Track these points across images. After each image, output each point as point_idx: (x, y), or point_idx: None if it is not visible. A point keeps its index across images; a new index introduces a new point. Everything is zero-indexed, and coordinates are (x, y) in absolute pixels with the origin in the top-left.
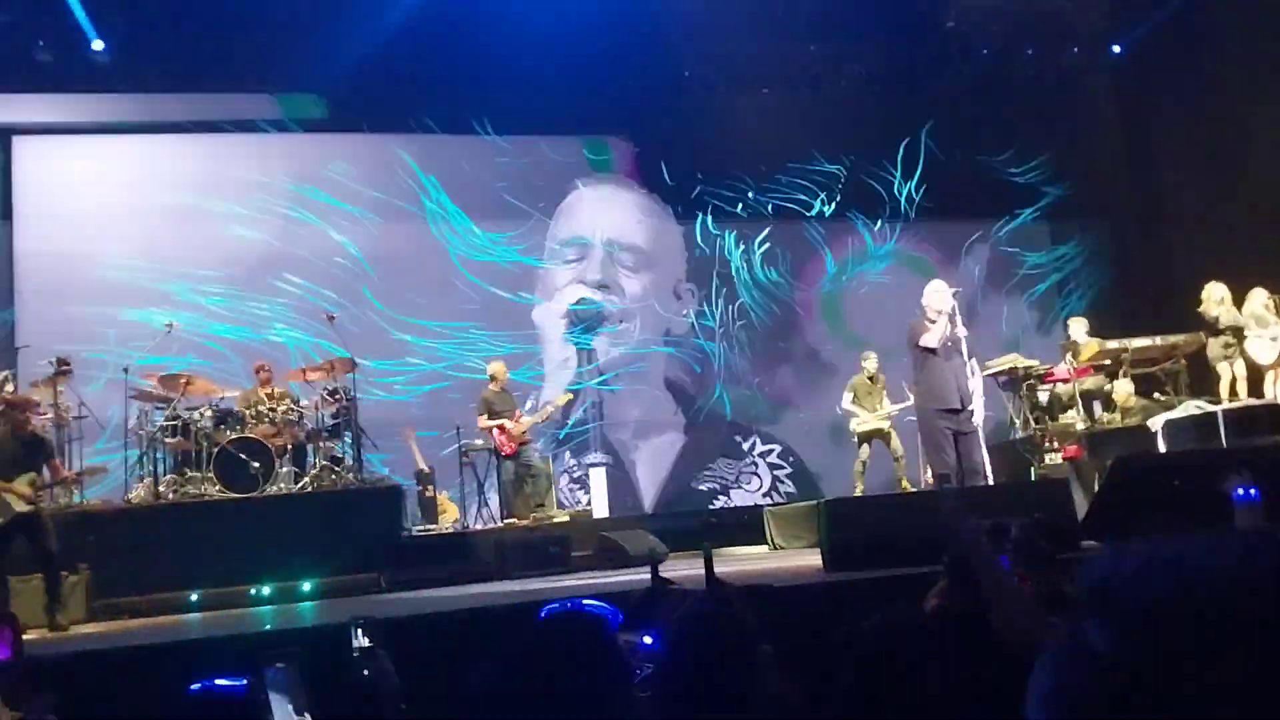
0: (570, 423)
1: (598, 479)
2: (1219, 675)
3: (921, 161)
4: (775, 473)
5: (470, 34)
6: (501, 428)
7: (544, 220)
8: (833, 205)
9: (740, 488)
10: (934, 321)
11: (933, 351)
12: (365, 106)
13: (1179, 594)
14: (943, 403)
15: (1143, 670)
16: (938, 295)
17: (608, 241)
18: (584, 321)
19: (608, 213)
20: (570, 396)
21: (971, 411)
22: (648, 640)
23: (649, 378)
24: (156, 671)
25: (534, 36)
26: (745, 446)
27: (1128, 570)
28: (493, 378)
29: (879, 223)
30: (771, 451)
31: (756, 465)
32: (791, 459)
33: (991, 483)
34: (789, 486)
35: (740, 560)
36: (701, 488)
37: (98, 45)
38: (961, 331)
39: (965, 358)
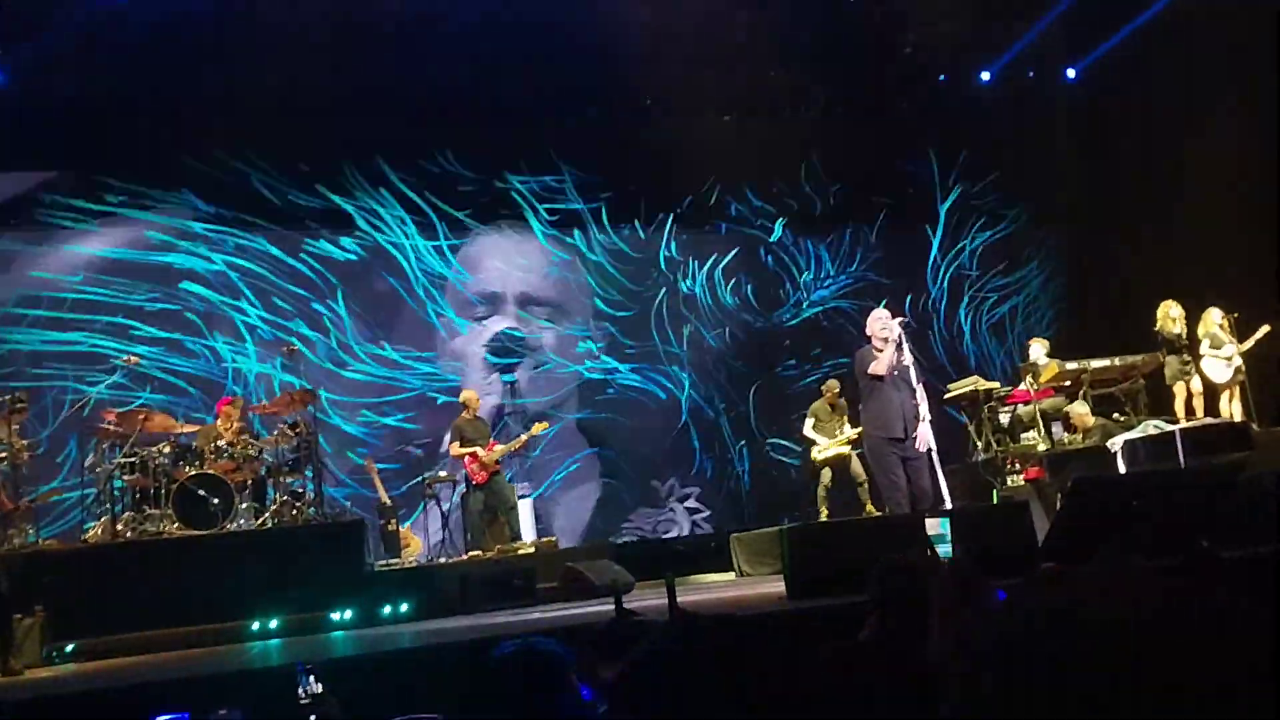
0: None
1: (525, 510)
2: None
3: (882, 186)
4: (694, 517)
5: (427, 59)
6: (474, 455)
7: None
8: (793, 230)
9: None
10: (880, 350)
11: (880, 379)
12: (319, 132)
13: (1063, 631)
14: (888, 431)
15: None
16: (880, 323)
17: (519, 295)
18: (503, 357)
19: (517, 258)
20: (545, 425)
21: (916, 439)
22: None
23: (567, 425)
24: (111, 715)
25: (492, 62)
26: (663, 492)
27: (1016, 624)
28: (465, 405)
29: (840, 247)
30: (689, 495)
31: (674, 511)
32: (711, 502)
33: (949, 505)
34: (705, 530)
35: (706, 589)
36: (619, 542)
37: None
38: (908, 359)
39: (914, 385)
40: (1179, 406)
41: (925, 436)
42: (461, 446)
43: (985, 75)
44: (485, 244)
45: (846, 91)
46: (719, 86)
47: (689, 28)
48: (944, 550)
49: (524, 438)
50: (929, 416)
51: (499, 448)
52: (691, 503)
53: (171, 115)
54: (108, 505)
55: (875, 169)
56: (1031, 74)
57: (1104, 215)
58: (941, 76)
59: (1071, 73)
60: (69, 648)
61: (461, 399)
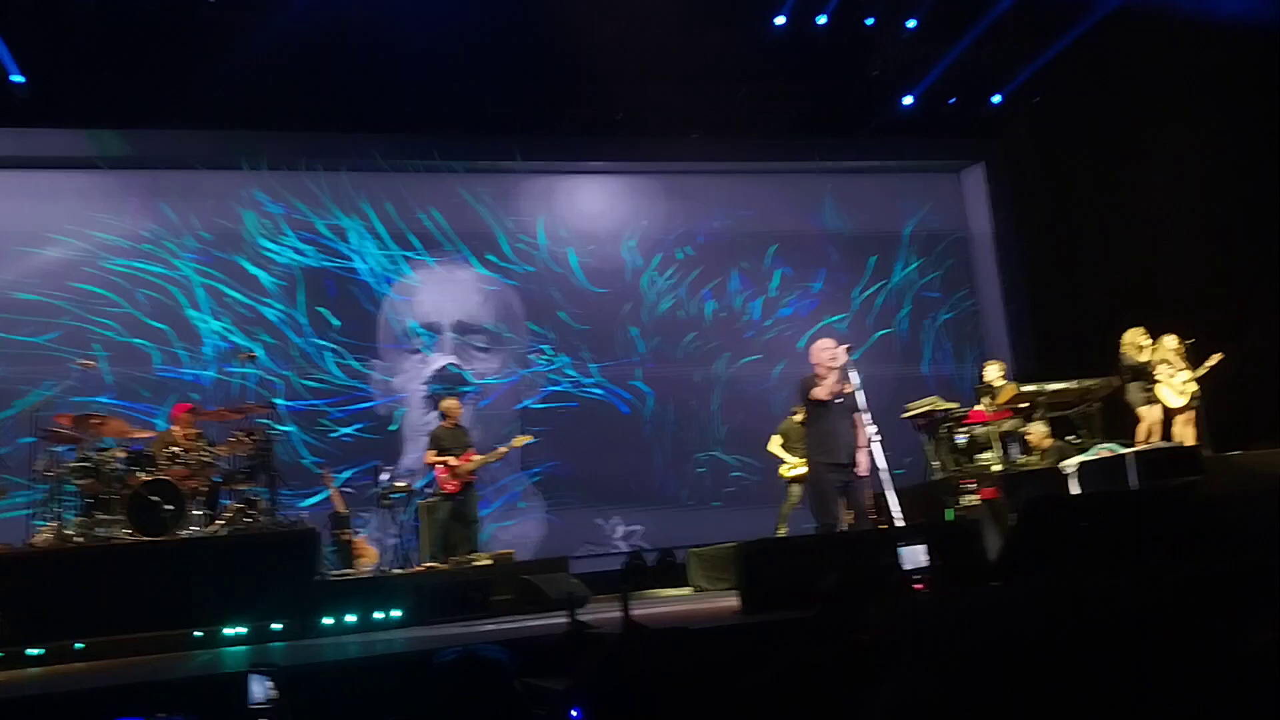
0: None
1: None
2: (1028, 705)
3: (844, 206)
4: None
5: (391, 72)
6: (445, 464)
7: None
8: (756, 250)
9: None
10: (824, 376)
11: (823, 405)
12: (284, 141)
13: (989, 638)
14: (830, 457)
15: (958, 702)
16: (825, 351)
17: (456, 324)
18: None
19: (452, 292)
20: (529, 438)
21: (858, 465)
22: (574, 714)
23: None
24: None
25: (462, 78)
26: (607, 529)
27: (947, 618)
28: (444, 414)
29: (802, 267)
30: (634, 533)
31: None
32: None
33: (901, 523)
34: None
35: (661, 603)
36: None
37: (17, 79)
38: (853, 386)
39: (859, 411)
40: (1140, 431)
41: (865, 463)
42: (437, 455)
43: (951, 100)
44: (432, 268)
45: (813, 111)
46: (685, 104)
47: (654, 47)
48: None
49: (503, 450)
50: (877, 440)
51: (476, 458)
52: (636, 540)
53: (135, 120)
54: (58, 509)
55: (837, 188)
56: (998, 98)
57: (1065, 239)
58: (906, 96)
59: (1036, 98)
60: (36, 652)
61: (441, 407)
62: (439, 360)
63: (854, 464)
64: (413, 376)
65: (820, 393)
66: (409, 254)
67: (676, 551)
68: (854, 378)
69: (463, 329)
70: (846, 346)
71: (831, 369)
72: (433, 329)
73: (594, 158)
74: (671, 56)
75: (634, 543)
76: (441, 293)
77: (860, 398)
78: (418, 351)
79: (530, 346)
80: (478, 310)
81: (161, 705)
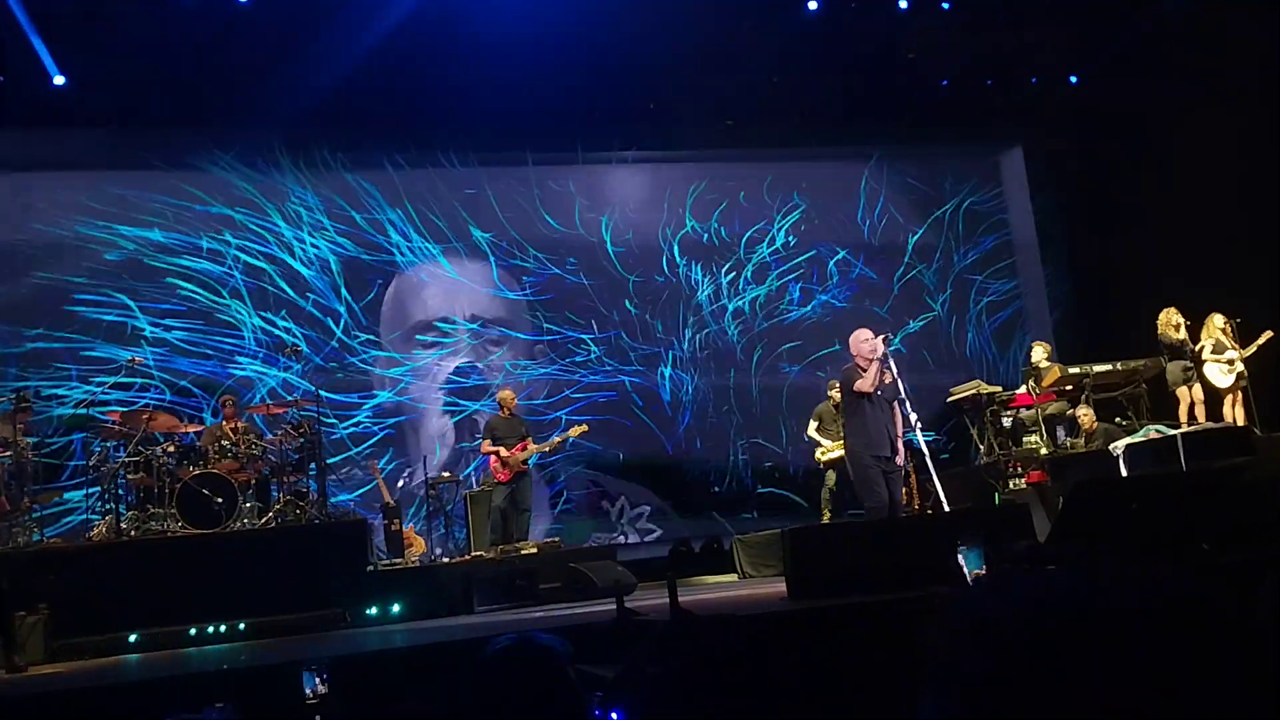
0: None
1: None
2: (1087, 697)
3: (883, 191)
4: (645, 539)
5: (431, 66)
6: (497, 454)
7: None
8: (795, 236)
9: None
10: (865, 368)
11: (864, 396)
12: (331, 141)
13: (1048, 625)
14: (874, 449)
15: (1015, 693)
16: (865, 344)
17: (471, 318)
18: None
19: (489, 284)
20: (585, 428)
21: (898, 454)
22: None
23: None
24: (114, 712)
25: (498, 68)
26: (613, 514)
27: (1003, 604)
28: (501, 404)
29: (841, 252)
30: (641, 515)
31: (626, 534)
32: (664, 518)
33: (948, 509)
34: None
35: (708, 589)
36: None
37: (59, 80)
38: (891, 377)
39: (901, 400)
40: (1182, 412)
41: (904, 452)
42: (491, 444)
43: (988, 82)
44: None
45: (850, 96)
46: (719, 92)
47: (691, 35)
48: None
49: (557, 440)
50: (916, 427)
51: (532, 448)
52: (643, 523)
53: (179, 120)
54: (112, 504)
55: (876, 174)
56: (1035, 80)
57: (1107, 221)
58: (943, 81)
59: (1074, 78)
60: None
61: (498, 398)
62: (478, 352)
63: (895, 454)
64: (448, 368)
65: (863, 385)
66: (446, 247)
67: (722, 538)
68: (893, 366)
69: (501, 321)
70: (884, 337)
71: (872, 360)
72: (472, 320)
73: (629, 147)
74: (703, 44)
75: (642, 527)
76: (479, 285)
77: (901, 386)
78: (456, 343)
79: (569, 336)
80: (516, 302)
81: (214, 697)
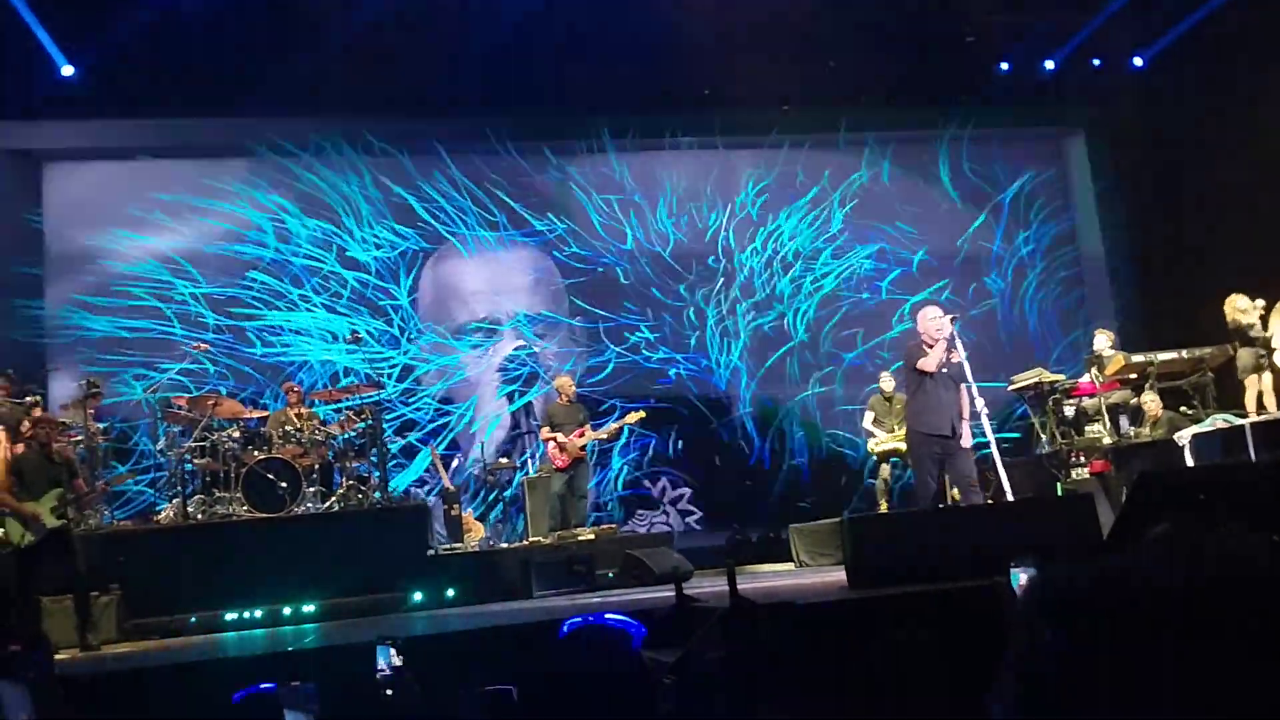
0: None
1: None
2: (1163, 668)
3: (943, 176)
4: (686, 519)
5: (478, 48)
6: (554, 440)
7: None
8: (852, 222)
9: None
10: (930, 346)
11: (928, 376)
12: (387, 127)
13: (1127, 601)
14: (933, 428)
15: (1096, 666)
16: (932, 321)
17: (527, 305)
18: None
19: (543, 272)
20: (642, 414)
21: (960, 435)
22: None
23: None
24: (185, 690)
25: (551, 51)
26: (655, 492)
27: (1083, 582)
28: (559, 391)
29: (900, 238)
30: (681, 497)
31: (668, 513)
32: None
33: (1011, 498)
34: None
35: (765, 577)
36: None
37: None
38: (959, 357)
39: (966, 381)
40: (1249, 400)
41: (968, 435)
42: (550, 430)
43: (1049, 64)
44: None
45: (909, 80)
46: (778, 76)
47: (746, 19)
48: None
49: (614, 426)
50: (982, 412)
51: (589, 434)
52: (684, 504)
53: (235, 108)
54: (179, 488)
55: (935, 157)
56: (1098, 62)
57: (1173, 205)
58: (1004, 63)
59: (1139, 60)
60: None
61: (556, 385)
62: (531, 341)
63: (956, 435)
64: (499, 355)
65: (928, 363)
66: (502, 235)
67: (780, 527)
68: (960, 347)
69: (556, 308)
70: (952, 316)
71: (938, 338)
72: (527, 309)
73: (684, 133)
74: (760, 28)
75: (683, 509)
76: (533, 273)
77: (966, 369)
78: (510, 330)
79: (624, 323)
80: (572, 287)
81: (290, 675)
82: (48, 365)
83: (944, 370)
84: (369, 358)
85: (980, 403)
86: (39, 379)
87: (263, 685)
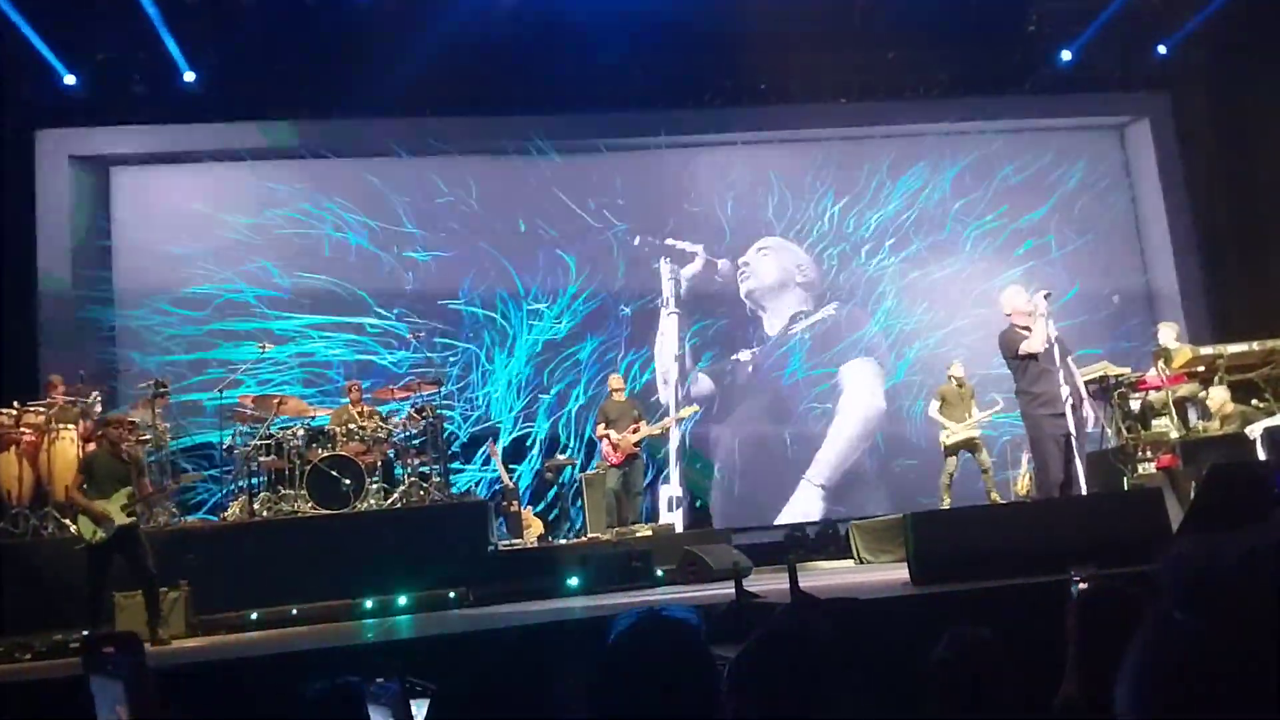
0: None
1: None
2: None
3: (1005, 166)
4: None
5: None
6: (607, 438)
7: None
8: (914, 214)
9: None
10: (1025, 328)
11: (1034, 358)
12: (452, 131)
13: (1265, 579)
14: (1053, 408)
15: (1231, 647)
16: (1020, 299)
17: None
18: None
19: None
20: (695, 409)
21: (1083, 417)
22: None
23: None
24: (255, 683)
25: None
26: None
27: (1220, 560)
28: (612, 389)
29: (960, 229)
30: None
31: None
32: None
33: (1084, 492)
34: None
35: (826, 574)
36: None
37: (189, 76)
38: (1054, 331)
39: (1068, 356)
40: None
41: (1090, 412)
42: (604, 428)
43: (1111, 52)
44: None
45: (968, 70)
46: (833, 71)
47: (805, 12)
48: None
49: (667, 421)
50: (1085, 395)
51: (643, 430)
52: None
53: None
54: (245, 486)
55: (996, 148)
56: (1163, 49)
57: (1243, 194)
58: (1066, 51)
59: (1203, 48)
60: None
61: (610, 384)
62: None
63: (1078, 412)
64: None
65: (1032, 345)
66: (564, 232)
67: (838, 524)
68: (1053, 324)
69: (625, 304)
70: (1045, 293)
71: (1034, 315)
72: (587, 305)
73: (738, 128)
74: (817, 20)
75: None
76: (598, 270)
77: (1063, 346)
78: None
79: (685, 316)
80: (636, 286)
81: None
82: (119, 366)
83: (1049, 348)
84: (430, 356)
85: (1079, 376)
86: (109, 379)
87: (348, 678)
